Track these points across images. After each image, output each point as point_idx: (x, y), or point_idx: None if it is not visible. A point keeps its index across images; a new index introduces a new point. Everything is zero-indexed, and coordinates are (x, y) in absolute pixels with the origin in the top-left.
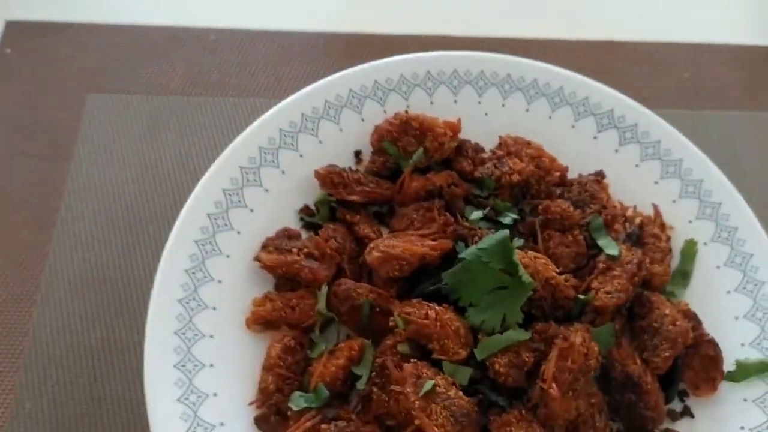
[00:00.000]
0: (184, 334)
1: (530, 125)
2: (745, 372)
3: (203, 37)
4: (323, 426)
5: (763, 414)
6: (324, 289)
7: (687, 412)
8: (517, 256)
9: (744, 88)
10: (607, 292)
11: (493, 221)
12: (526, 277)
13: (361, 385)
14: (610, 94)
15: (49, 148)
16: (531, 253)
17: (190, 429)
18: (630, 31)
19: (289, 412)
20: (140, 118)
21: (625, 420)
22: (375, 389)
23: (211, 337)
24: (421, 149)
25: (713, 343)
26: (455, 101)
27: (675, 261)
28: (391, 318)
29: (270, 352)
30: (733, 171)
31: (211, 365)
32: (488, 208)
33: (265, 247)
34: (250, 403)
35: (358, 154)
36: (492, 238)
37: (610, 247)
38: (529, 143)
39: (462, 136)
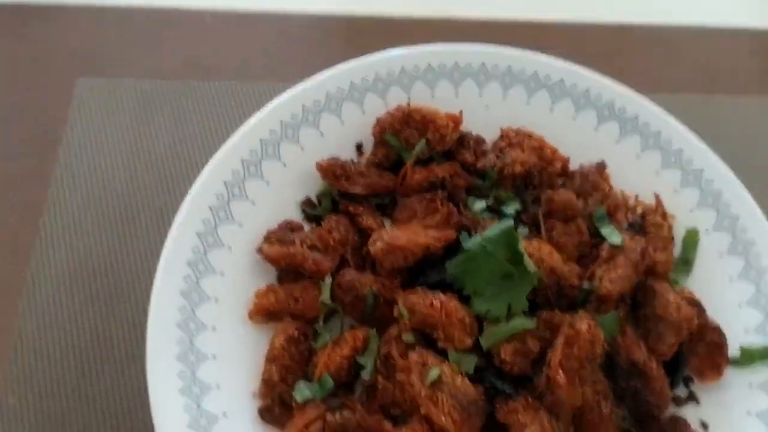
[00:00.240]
0: (186, 325)
1: (531, 117)
2: (749, 357)
3: (198, 19)
4: (328, 416)
5: None
6: (328, 280)
7: (692, 398)
8: (522, 245)
9: (760, 73)
10: (611, 280)
11: (495, 212)
12: (530, 267)
13: (366, 374)
14: (611, 86)
15: (37, 134)
16: (535, 242)
17: (193, 420)
18: (641, 14)
19: (293, 403)
20: (132, 103)
21: (630, 406)
22: (380, 379)
23: (214, 328)
24: (423, 141)
25: (718, 330)
26: (456, 94)
27: (677, 250)
28: (396, 308)
29: (273, 343)
30: (747, 157)
31: (214, 357)
32: (491, 199)
33: (267, 239)
34: (254, 394)
35: (359, 146)
36: (497, 227)
37: (613, 236)
38: (530, 135)
39: (463, 128)
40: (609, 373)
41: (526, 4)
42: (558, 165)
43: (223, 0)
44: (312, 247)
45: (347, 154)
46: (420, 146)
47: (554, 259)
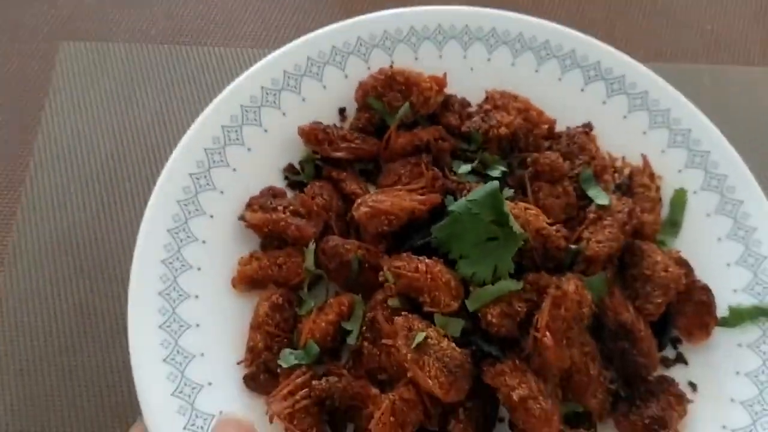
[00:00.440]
0: (168, 294)
1: (516, 79)
2: (738, 317)
3: None
4: (314, 382)
5: (759, 358)
6: (311, 246)
7: (680, 359)
8: (508, 206)
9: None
10: (599, 242)
11: (481, 175)
12: (516, 228)
13: (351, 340)
14: (597, 46)
15: (19, 101)
16: (521, 204)
17: (177, 389)
18: None
19: (278, 370)
20: (117, 69)
21: (618, 368)
22: (366, 344)
23: (197, 297)
24: (407, 104)
25: (706, 289)
26: (440, 56)
27: (665, 211)
28: (381, 273)
29: (258, 311)
30: (753, 126)
31: (198, 325)
32: (476, 162)
33: (249, 206)
34: (239, 362)
35: (342, 111)
36: (482, 189)
37: (600, 197)
38: (516, 97)
39: (448, 91)
40: (597, 334)
41: None
42: (544, 127)
43: None
44: (295, 214)
45: (330, 119)
46: (404, 110)
47: (540, 220)
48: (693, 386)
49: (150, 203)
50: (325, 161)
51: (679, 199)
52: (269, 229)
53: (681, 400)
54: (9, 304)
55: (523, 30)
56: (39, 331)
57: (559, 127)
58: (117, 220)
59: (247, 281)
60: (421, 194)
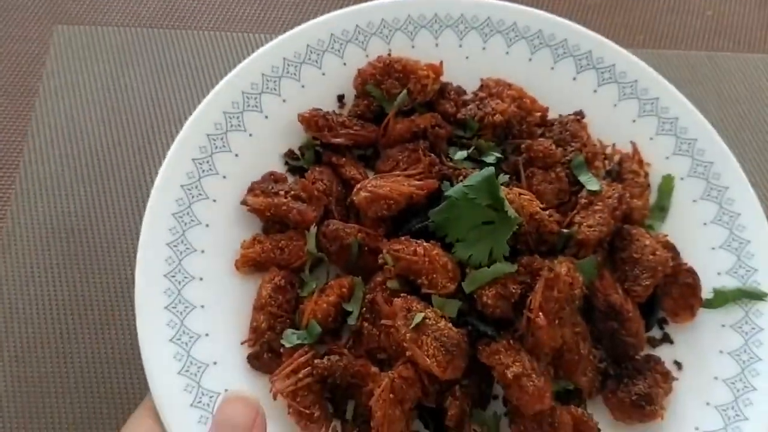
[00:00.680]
0: (173, 276)
1: (510, 68)
2: (722, 299)
3: None
4: (316, 361)
5: (741, 338)
6: (313, 229)
7: (666, 339)
8: (503, 192)
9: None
10: (590, 226)
11: (476, 161)
12: (511, 212)
13: (352, 320)
14: (589, 36)
15: (12, 85)
16: (516, 189)
17: (183, 368)
18: None
19: (281, 349)
20: (112, 52)
21: (607, 347)
22: (366, 324)
23: (201, 279)
24: (404, 91)
25: (692, 272)
26: (436, 45)
27: (653, 196)
28: (380, 256)
29: (261, 292)
30: (753, 113)
31: (202, 307)
32: (472, 149)
33: (251, 190)
34: (243, 342)
35: (341, 98)
36: (478, 174)
37: (591, 183)
38: (510, 85)
39: (444, 79)
40: (587, 315)
41: None
42: (537, 114)
43: None
44: (296, 198)
45: (329, 105)
46: (401, 97)
47: (534, 205)
48: (678, 365)
49: (155, 186)
50: (325, 147)
51: (667, 185)
52: (271, 213)
53: (667, 377)
54: (2, 291)
55: (517, 19)
56: (33, 318)
57: (552, 115)
58: (111, 206)
59: (250, 264)
60: (419, 179)
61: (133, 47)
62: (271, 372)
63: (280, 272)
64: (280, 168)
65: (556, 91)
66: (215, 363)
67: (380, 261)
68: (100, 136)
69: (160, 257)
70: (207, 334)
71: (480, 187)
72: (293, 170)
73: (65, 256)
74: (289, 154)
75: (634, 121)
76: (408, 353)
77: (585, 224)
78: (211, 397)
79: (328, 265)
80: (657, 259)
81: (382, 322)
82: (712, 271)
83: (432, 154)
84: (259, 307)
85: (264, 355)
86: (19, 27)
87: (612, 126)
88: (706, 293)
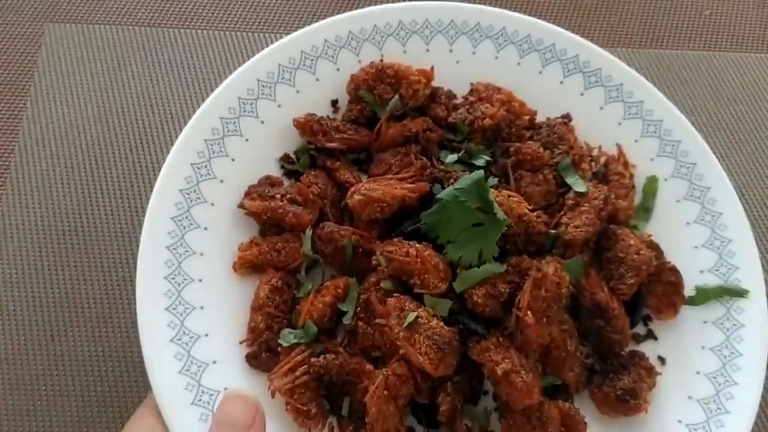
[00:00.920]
0: (173, 278)
1: (500, 72)
2: (704, 296)
3: None
4: (313, 359)
5: (723, 334)
6: (308, 232)
7: (650, 335)
8: (492, 194)
9: (766, 29)
10: (576, 227)
11: (467, 164)
12: (500, 214)
13: (347, 320)
14: (575, 41)
15: (3, 84)
16: (505, 192)
17: (184, 367)
18: None
19: (279, 348)
20: (104, 52)
21: (594, 344)
22: (360, 324)
23: (200, 281)
24: (396, 96)
25: (675, 270)
26: (427, 50)
27: (638, 197)
28: (374, 257)
29: (258, 293)
30: (750, 113)
31: (202, 308)
32: (462, 152)
33: (248, 194)
34: (242, 342)
35: (335, 103)
36: (468, 178)
37: (578, 184)
38: (499, 89)
39: (435, 83)
40: (574, 313)
41: None
42: (525, 118)
43: None
44: (292, 201)
45: (323, 110)
46: (393, 102)
47: (522, 207)
48: (662, 360)
49: (155, 190)
50: (320, 151)
51: (651, 186)
52: (268, 216)
53: (651, 372)
54: None
55: (506, 25)
56: (25, 319)
57: (540, 118)
58: (104, 206)
59: (248, 266)
60: (411, 183)
61: (126, 46)
62: (269, 370)
63: (277, 274)
64: (276, 172)
65: (544, 95)
66: (215, 362)
67: (374, 262)
68: (93, 136)
69: (161, 260)
70: (207, 335)
71: (470, 189)
72: (289, 174)
73: (57, 256)
74: (285, 159)
75: (619, 123)
76: (401, 351)
77: (572, 225)
78: (211, 395)
79: (324, 266)
80: (641, 259)
81: (376, 321)
82: (695, 270)
83: (423, 158)
84: (257, 308)
85: (262, 354)
86: (10, 25)
87: (598, 129)
88: (688, 291)
